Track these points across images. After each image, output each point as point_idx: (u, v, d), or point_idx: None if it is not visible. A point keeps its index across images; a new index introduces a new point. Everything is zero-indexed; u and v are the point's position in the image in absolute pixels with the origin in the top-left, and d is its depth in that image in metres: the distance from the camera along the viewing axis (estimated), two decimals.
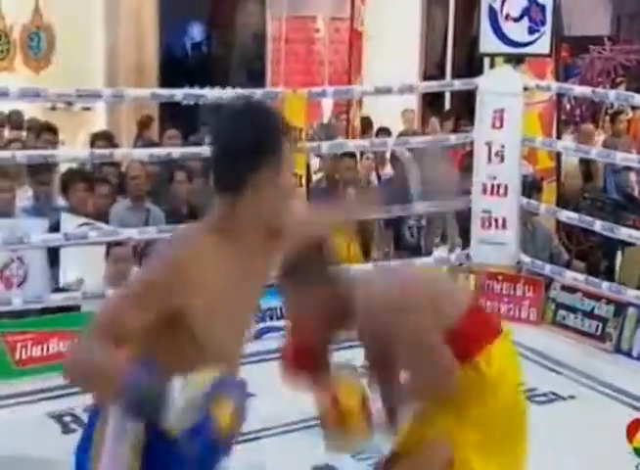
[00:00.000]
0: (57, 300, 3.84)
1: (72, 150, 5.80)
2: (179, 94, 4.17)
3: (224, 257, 1.60)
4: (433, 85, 6.33)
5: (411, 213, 4.91)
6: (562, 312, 4.40)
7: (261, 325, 4.16)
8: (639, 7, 10.20)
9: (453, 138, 5.29)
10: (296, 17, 8.76)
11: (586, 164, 5.65)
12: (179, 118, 6.64)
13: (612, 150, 5.04)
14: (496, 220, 4.67)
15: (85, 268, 4.16)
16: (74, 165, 4.99)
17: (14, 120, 6.10)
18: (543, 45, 4.64)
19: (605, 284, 4.37)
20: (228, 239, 1.61)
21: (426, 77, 8.88)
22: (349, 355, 2.19)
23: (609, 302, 4.21)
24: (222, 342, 1.63)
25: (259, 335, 4.14)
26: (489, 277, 4.59)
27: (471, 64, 7.97)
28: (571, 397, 3.64)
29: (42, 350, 3.59)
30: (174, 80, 6.97)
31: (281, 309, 4.21)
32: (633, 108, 7.41)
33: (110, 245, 4.06)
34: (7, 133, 5.83)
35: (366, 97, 6.61)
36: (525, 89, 4.72)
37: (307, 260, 1.97)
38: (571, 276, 4.47)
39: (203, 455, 1.53)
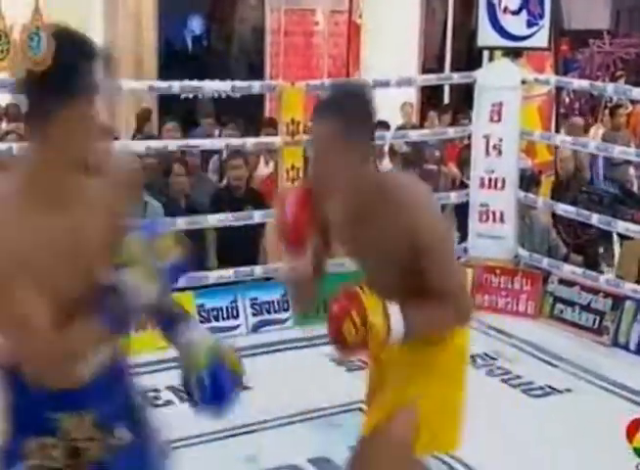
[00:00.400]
0: None
1: None
2: (177, 86, 4.16)
3: (32, 209, 1.52)
4: (431, 78, 6.31)
5: None
6: (559, 306, 4.41)
7: (258, 318, 4.17)
8: (638, 1, 10.20)
9: (451, 131, 5.29)
10: (295, 9, 8.75)
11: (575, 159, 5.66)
12: (178, 112, 6.64)
13: (610, 144, 5.05)
14: (494, 214, 4.68)
15: None
16: None
17: (11, 113, 6.10)
18: (542, 38, 4.64)
19: (602, 278, 4.38)
20: (38, 181, 1.53)
21: (424, 70, 8.87)
22: None
23: (606, 295, 4.22)
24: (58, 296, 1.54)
25: (256, 328, 4.15)
26: (487, 271, 4.60)
27: (470, 57, 7.96)
28: (568, 390, 3.65)
29: None
30: (174, 74, 6.96)
31: (278, 303, 4.22)
32: (632, 102, 7.42)
33: None
34: (4, 125, 5.82)
35: None
36: (524, 82, 4.72)
37: None
38: (569, 270, 4.48)
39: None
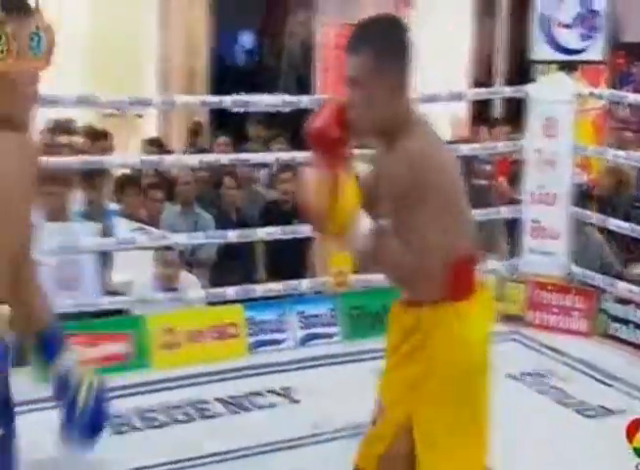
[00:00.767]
0: (107, 303, 3.91)
1: (124, 155, 5.90)
2: (228, 101, 4.21)
3: None
4: (482, 92, 6.27)
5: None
6: (614, 324, 4.31)
7: (306, 332, 4.17)
8: None
9: (502, 146, 5.24)
10: (343, 24, 8.78)
11: (617, 174, 5.57)
12: (229, 126, 6.71)
13: None
14: (546, 230, 4.61)
15: (135, 272, 4.24)
16: (127, 171, 5.07)
17: (64, 127, 6.24)
18: (596, 52, 4.58)
19: None
20: None
21: (475, 85, 8.82)
22: None
23: None
24: None
25: (304, 342, 4.15)
26: (539, 287, 4.53)
27: (519, 71, 7.89)
28: (622, 410, 3.56)
29: (93, 352, 3.65)
30: (225, 88, 7.06)
31: (326, 317, 4.21)
32: None
33: (158, 249, 4.13)
34: (59, 139, 5.96)
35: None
36: (578, 96, 4.66)
37: None
38: (624, 287, 4.39)
39: None
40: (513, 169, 5.44)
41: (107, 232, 4.33)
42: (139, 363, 3.72)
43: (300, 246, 4.54)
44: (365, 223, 1.84)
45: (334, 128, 1.90)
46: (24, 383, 3.26)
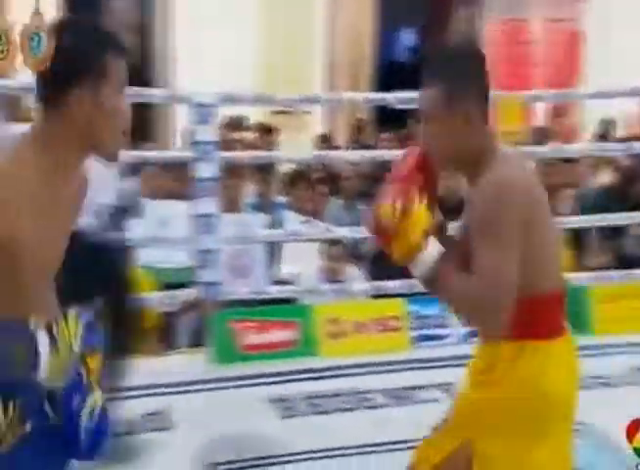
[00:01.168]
0: (278, 292, 4.08)
1: (294, 151, 6.11)
2: (391, 98, 4.26)
3: (41, 175, 1.51)
4: None
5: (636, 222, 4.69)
6: None
7: (469, 328, 4.15)
8: None
9: None
10: (510, 19, 8.63)
11: None
12: (393, 122, 6.77)
13: None
14: None
15: (302, 263, 4.39)
16: (295, 166, 5.24)
17: (236, 124, 6.54)
18: None
19: None
20: (46, 156, 1.53)
21: None
22: None
23: None
24: (43, 270, 1.55)
25: (466, 338, 4.13)
26: None
27: None
28: None
29: (264, 337, 3.82)
30: (388, 85, 7.13)
31: (437, 317, 4.15)
32: None
33: (324, 242, 4.25)
34: (230, 135, 6.25)
35: (585, 100, 6.37)
36: None
37: None
38: None
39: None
40: None
41: (276, 224, 4.51)
42: (306, 351, 3.86)
43: None
44: (433, 252, 1.80)
45: (414, 175, 1.86)
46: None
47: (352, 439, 3.09)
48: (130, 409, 3.30)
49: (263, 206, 4.78)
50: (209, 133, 3.88)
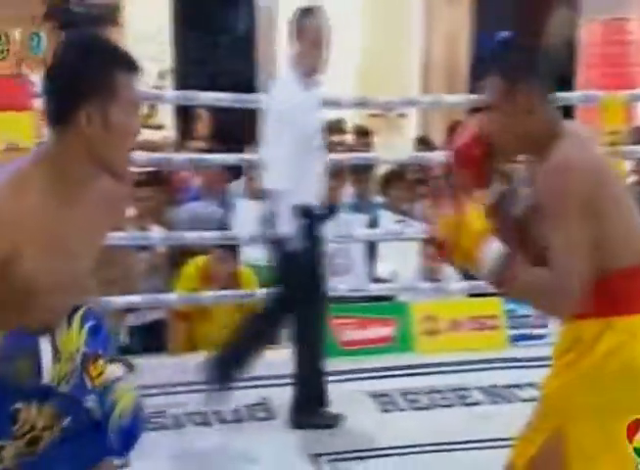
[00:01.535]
0: (376, 289, 4.17)
1: (391, 153, 6.19)
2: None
3: (48, 194, 1.52)
4: None
5: None
6: None
7: (515, 332, 4.12)
8: None
9: None
10: (609, 19, 8.45)
11: None
12: None
13: None
14: None
15: (400, 262, 4.47)
16: (391, 167, 5.31)
17: (336, 127, 6.66)
18: None
19: None
20: (53, 175, 1.52)
21: None
22: None
23: None
24: (51, 286, 1.53)
25: (513, 341, 4.10)
26: None
27: None
28: None
29: (362, 334, 3.92)
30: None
31: (534, 317, 4.12)
32: None
33: (423, 241, 4.31)
34: (334, 138, 6.38)
35: None
36: None
37: None
38: None
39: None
40: None
41: (373, 223, 4.60)
42: (403, 347, 3.94)
43: None
44: (495, 248, 1.83)
45: (474, 147, 1.92)
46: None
47: (451, 434, 3.14)
48: (234, 400, 3.46)
49: (361, 206, 4.88)
50: None
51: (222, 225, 4.28)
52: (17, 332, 1.52)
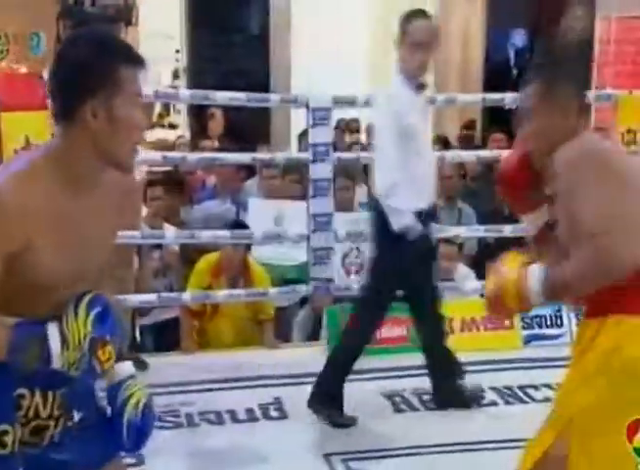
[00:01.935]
0: None
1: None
2: (506, 98, 4.26)
3: (57, 187, 1.54)
4: None
5: None
6: None
7: (529, 332, 4.09)
8: None
9: None
10: (624, 17, 8.39)
11: None
12: (502, 123, 6.73)
13: None
14: None
15: None
16: None
17: (352, 126, 6.67)
18: None
19: None
20: (61, 169, 1.54)
21: None
22: None
23: None
24: (62, 278, 1.56)
25: (527, 341, 4.07)
26: None
27: None
28: None
29: (379, 333, 3.91)
30: (497, 86, 7.09)
31: (551, 317, 4.10)
32: None
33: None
34: (347, 137, 6.39)
35: None
36: None
37: None
38: None
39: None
40: None
41: None
42: (417, 347, 3.91)
43: None
44: (536, 277, 1.84)
45: (519, 172, 1.94)
46: None
47: (465, 435, 3.12)
48: (247, 399, 3.46)
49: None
50: (325, 135, 4.00)
51: (236, 224, 4.29)
52: (26, 321, 1.53)
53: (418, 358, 3.84)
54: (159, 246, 4.28)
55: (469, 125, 6.91)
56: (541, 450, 1.89)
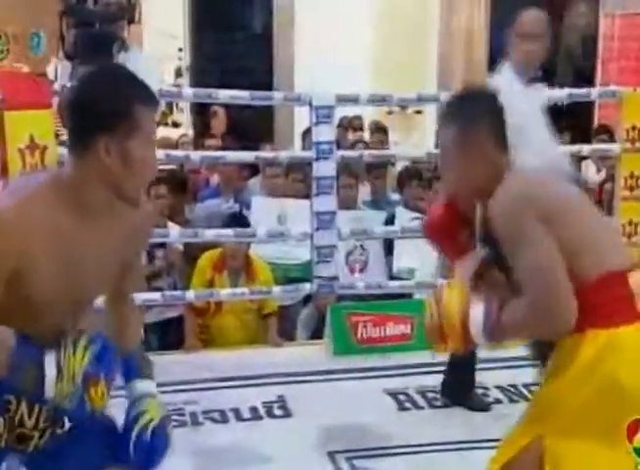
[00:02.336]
0: (393, 287, 4.16)
1: (409, 149, 6.19)
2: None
3: (62, 211, 1.57)
4: None
5: None
6: None
7: None
8: None
9: None
10: (628, 14, 8.38)
11: None
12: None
13: None
14: None
15: (417, 259, 4.45)
16: (408, 164, 5.30)
17: (355, 124, 6.67)
18: None
19: None
20: (68, 194, 1.57)
21: None
22: None
23: None
24: (59, 301, 1.59)
25: None
26: None
27: None
28: None
29: (380, 331, 3.91)
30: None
31: None
32: None
33: None
34: (350, 135, 6.39)
35: None
36: None
37: None
38: None
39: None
40: None
41: (390, 221, 4.58)
42: (421, 345, 3.89)
43: None
44: (478, 316, 1.84)
45: (446, 217, 1.99)
46: None
47: (470, 433, 3.12)
48: (251, 397, 3.46)
49: (378, 203, 4.87)
50: (328, 133, 4.00)
51: (235, 217, 4.30)
52: (25, 341, 1.55)
53: (422, 357, 3.83)
54: (162, 244, 4.29)
55: None
56: (512, 453, 1.88)
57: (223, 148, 5.15)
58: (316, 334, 4.19)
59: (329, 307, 4.00)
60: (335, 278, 4.08)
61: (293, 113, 7.21)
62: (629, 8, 8.33)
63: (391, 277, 4.39)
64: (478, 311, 1.85)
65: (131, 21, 3.84)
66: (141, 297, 3.91)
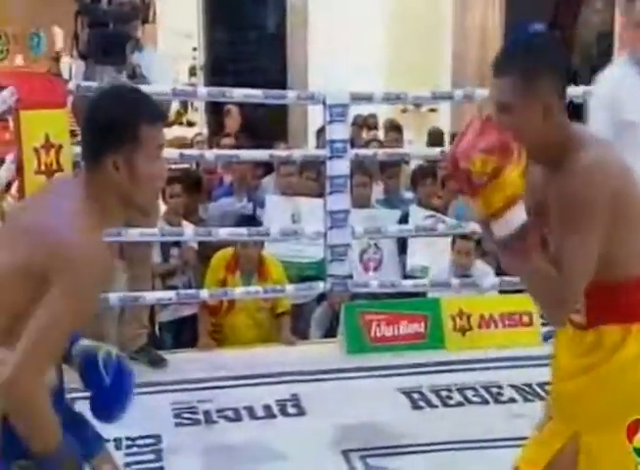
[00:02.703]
0: (407, 285, 4.15)
1: (422, 148, 6.18)
2: None
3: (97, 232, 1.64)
4: None
5: None
6: None
7: (549, 329, 4.03)
8: None
9: None
10: None
11: None
12: None
13: None
14: None
15: (430, 257, 4.44)
16: (422, 162, 5.30)
17: (370, 122, 6.67)
18: None
19: None
20: (98, 214, 1.65)
21: None
22: None
23: None
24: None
25: (546, 338, 4.02)
26: None
27: None
28: None
29: (393, 330, 3.91)
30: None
31: None
32: None
33: (455, 237, 4.28)
34: (365, 134, 6.39)
35: None
36: None
37: None
38: None
39: None
40: None
41: (404, 219, 4.58)
42: (435, 343, 3.91)
43: None
44: (519, 217, 1.66)
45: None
46: None
47: (483, 432, 3.11)
48: (265, 396, 3.47)
49: (392, 201, 4.87)
50: (342, 132, 3.99)
51: (248, 219, 4.31)
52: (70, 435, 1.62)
53: (435, 355, 3.83)
54: (177, 243, 4.30)
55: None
56: (550, 455, 1.84)
57: (237, 146, 5.16)
58: (330, 332, 4.19)
59: (343, 306, 3.99)
60: (348, 277, 4.08)
61: (306, 111, 7.22)
62: None
63: (405, 275, 4.38)
64: (520, 214, 1.67)
65: (145, 20, 3.84)
66: (156, 295, 3.94)
